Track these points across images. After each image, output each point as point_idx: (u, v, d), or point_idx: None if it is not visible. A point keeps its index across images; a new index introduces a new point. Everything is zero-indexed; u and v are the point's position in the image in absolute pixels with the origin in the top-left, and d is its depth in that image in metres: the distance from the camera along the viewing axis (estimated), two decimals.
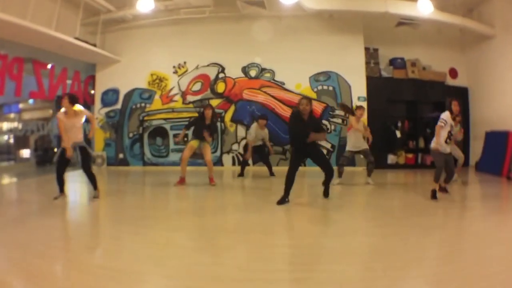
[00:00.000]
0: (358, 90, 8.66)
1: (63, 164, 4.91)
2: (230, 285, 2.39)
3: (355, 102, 8.55)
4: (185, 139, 7.85)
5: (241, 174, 7.46)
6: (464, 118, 9.61)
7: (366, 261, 2.87)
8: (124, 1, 8.50)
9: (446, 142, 4.97)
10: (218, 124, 8.83)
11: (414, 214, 4.42)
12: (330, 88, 8.71)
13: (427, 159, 8.94)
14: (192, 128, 6.34)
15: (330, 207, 4.79)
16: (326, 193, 5.14)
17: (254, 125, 7.29)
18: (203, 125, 6.10)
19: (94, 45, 8.49)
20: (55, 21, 7.37)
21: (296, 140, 4.79)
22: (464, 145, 9.54)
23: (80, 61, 9.02)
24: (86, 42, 8.20)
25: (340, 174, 6.37)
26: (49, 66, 8.46)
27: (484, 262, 2.73)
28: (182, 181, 6.27)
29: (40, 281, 2.38)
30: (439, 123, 4.99)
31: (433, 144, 5.03)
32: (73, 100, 4.88)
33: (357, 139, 6.36)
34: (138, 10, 8.20)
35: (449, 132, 4.97)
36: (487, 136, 8.52)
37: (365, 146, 6.38)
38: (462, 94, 9.56)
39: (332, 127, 8.66)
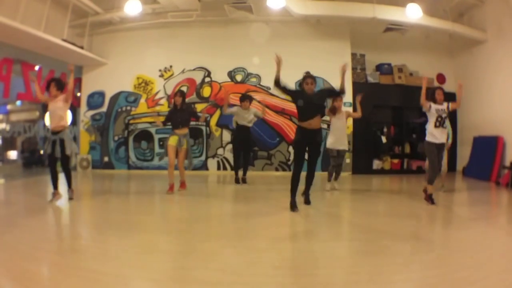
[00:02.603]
0: (345, 96, 8.63)
1: (53, 157, 4.85)
2: None
3: None
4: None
5: (238, 180, 6.95)
6: (451, 123, 9.60)
7: (350, 266, 2.87)
8: (112, 3, 8.49)
9: (436, 126, 4.92)
10: (204, 128, 8.83)
11: (399, 219, 4.42)
12: None
13: (412, 165, 8.95)
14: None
15: (314, 212, 4.79)
16: (307, 200, 4.93)
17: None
18: (178, 114, 5.84)
19: (81, 47, 8.48)
20: (44, 22, 7.35)
21: (304, 116, 4.56)
22: (452, 150, 9.56)
23: (67, 63, 8.96)
24: (74, 44, 8.19)
25: (330, 177, 6.16)
26: (36, 67, 8.44)
27: (471, 267, 2.72)
28: (172, 188, 5.84)
29: (26, 283, 2.38)
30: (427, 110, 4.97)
31: (428, 137, 5.00)
32: (60, 86, 4.88)
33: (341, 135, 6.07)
34: (125, 13, 8.18)
35: (439, 116, 4.92)
36: (475, 141, 8.55)
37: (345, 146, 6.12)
38: (450, 100, 9.54)
39: None
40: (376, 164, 8.92)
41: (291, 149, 8.68)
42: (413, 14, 7.53)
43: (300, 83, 4.78)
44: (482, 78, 8.44)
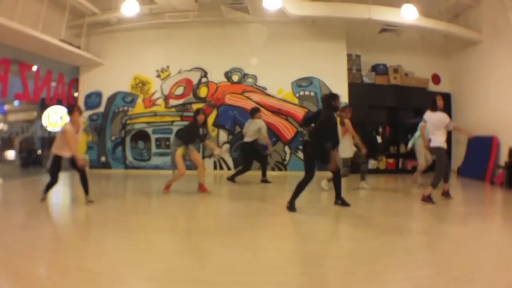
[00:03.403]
0: (340, 96, 8.69)
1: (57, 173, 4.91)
2: None
3: None
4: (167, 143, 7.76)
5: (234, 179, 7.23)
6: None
7: (346, 265, 2.89)
8: (109, 4, 8.52)
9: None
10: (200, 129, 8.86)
11: (394, 218, 4.46)
12: (312, 93, 8.76)
13: (407, 164, 9.01)
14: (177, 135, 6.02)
15: (310, 212, 4.82)
16: (338, 196, 5.00)
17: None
18: (196, 131, 5.97)
19: (79, 48, 8.51)
20: (41, 23, 7.38)
21: (335, 143, 4.74)
22: (446, 150, 9.59)
23: (64, 63, 9.03)
24: (71, 44, 8.22)
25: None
26: (34, 68, 8.46)
27: (467, 266, 2.75)
28: (202, 188, 6.09)
29: (24, 282, 2.42)
30: (455, 125, 5.40)
31: (438, 143, 5.18)
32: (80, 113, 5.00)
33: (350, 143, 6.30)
34: (122, 14, 8.20)
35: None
36: (470, 141, 8.56)
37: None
38: (445, 100, 9.60)
39: None
40: (372, 164, 8.97)
41: (287, 149, 8.73)
42: (409, 15, 7.57)
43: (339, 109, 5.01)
44: (477, 78, 8.50)
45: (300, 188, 4.67)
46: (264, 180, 7.25)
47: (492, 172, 7.52)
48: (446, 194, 5.47)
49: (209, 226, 4.18)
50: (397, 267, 2.78)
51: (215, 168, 8.85)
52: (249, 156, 7.18)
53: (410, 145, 7.04)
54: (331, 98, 4.75)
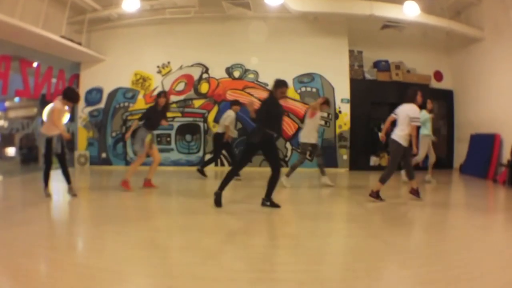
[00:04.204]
0: (342, 92, 8.70)
1: (50, 156, 4.96)
2: (211, 284, 2.40)
3: (338, 104, 8.65)
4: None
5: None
6: (448, 121, 9.68)
7: (347, 262, 2.89)
8: (110, 0, 8.50)
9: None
10: (201, 124, 8.85)
11: (395, 215, 4.44)
12: (314, 89, 8.73)
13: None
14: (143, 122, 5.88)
15: (310, 208, 4.82)
16: (268, 195, 4.63)
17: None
18: (158, 114, 5.82)
19: (79, 44, 8.48)
20: (42, 19, 7.35)
21: (272, 126, 4.42)
22: (448, 147, 9.60)
23: (65, 59, 9.00)
24: (72, 40, 8.19)
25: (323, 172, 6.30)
26: (35, 64, 8.44)
27: (469, 264, 2.74)
28: (148, 183, 6.09)
29: (23, 279, 2.40)
30: (417, 124, 4.93)
31: (395, 136, 4.94)
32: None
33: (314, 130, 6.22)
34: (123, 9, 8.20)
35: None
36: (472, 139, 8.57)
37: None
38: (447, 97, 9.62)
39: None
40: (373, 160, 8.95)
41: (288, 145, 8.71)
42: (411, 11, 7.56)
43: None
44: (479, 75, 8.46)
45: (270, 183, 4.58)
46: (200, 171, 7.25)
47: (494, 170, 7.49)
48: (414, 193, 5.15)
49: (210, 223, 4.15)
50: (399, 264, 2.77)
51: (216, 164, 8.80)
52: (218, 146, 7.25)
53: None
54: (275, 86, 4.54)
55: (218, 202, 4.53)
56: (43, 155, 5.05)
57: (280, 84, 4.49)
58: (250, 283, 2.41)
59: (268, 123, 4.40)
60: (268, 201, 4.59)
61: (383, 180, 4.90)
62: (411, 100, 5.05)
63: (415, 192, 5.14)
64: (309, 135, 6.13)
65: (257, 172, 7.59)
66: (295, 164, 6.23)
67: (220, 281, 2.44)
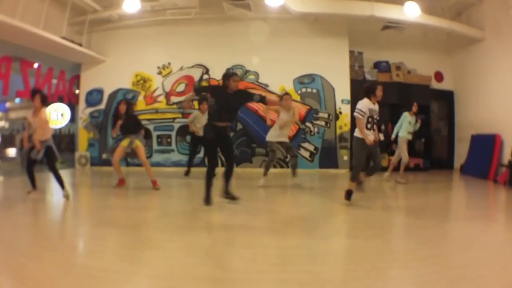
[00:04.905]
0: (342, 93, 8.70)
1: (31, 162, 4.95)
2: (212, 285, 2.40)
3: (339, 105, 8.65)
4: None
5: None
6: (449, 121, 9.68)
7: (347, 263, 2.88)
8: (110, 1, 8.53)
9: (367, 128, 4.64)
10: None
11: (396, 216, 4.43)
12: (314, 90, 8.73)
13: (410, 162, 8.94)
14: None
15: (311, 208, 4.81)
16: (227, 192, 4.80)
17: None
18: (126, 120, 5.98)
19: (80, 45, 8.50)
20: (43, 20, 7.37)
21: (220, 117, 4.45)
22: (449, 148, 9.60)
23: (65, 60, 9.02)
24: (72, 41, 8.21)
25: (294, 174, 6.27)
26: (35, 65, 8.45)
27: (469, 264, 2.72)
28: (122, 182, 6.16)
29: (24, 280, 2.41)
30: (357, 115, 4.62)
31: (356, 133, 4.73)
32: (44, 101, 4.91)
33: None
34: (124, 11, 8.22)
35: (369, 117, 4.65)
36: (473, 139, 8.56)
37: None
38: (447, 98, 9.62)
39: (316, 129, 8.69)
40: None
41: None
42: (411, 12, 7.56)
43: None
44: (480, 76, 8.46)
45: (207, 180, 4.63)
46: (187, 173, 7.38)
47: (495, 170, 7.48)
48: (359, 184, 4.96)
49: (211, 223, 4.15)
50: (399, 264, 2.76)
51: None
52: (195, 145, 7.46)
53: (393, 135, 7.16)
54: (223, 78, 4.54)
55: (208, 203, 4.64)
56: (48, 166, 5.01)
57: (228, 75, 4.50)
58: (251, 284, 2.40)
59: (218, 116, 4.48)
60: (227, 194, 4.77)
61: (352, 178, 4.77)
62: (366, 95, 4.71)
63: (349, 193, 4.85)
64: (273, 132, 6.21)
65: (257, 172, 7.57)
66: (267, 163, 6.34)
67: (221, 281, 2.43)
